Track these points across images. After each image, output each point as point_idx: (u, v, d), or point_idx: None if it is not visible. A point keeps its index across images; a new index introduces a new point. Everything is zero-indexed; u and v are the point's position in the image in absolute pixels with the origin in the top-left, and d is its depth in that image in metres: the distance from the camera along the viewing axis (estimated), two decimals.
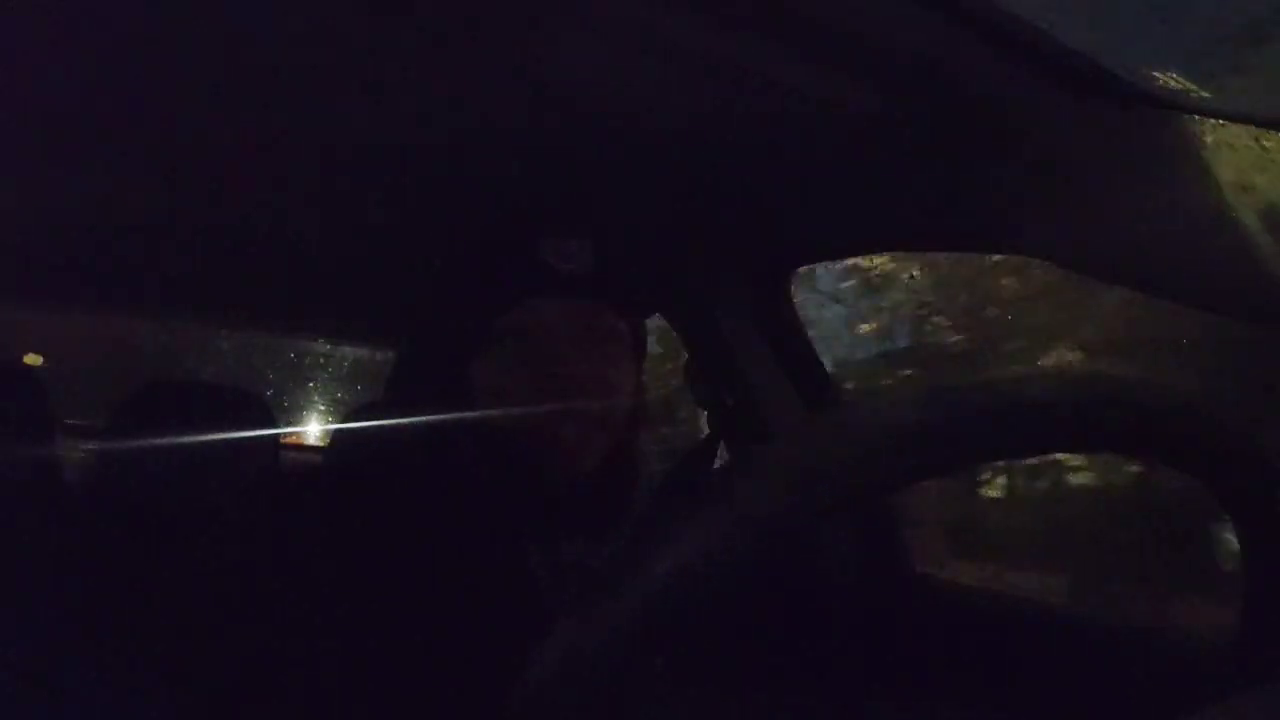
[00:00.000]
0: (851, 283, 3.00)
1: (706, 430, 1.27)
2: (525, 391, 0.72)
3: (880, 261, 2.74)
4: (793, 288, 1.35)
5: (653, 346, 0.90)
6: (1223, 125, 0.66)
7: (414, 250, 1.26)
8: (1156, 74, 0.68)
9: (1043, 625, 1.05)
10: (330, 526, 0.72)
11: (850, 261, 2.65)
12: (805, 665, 0.87)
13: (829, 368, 1.39)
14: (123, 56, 0.79)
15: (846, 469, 0.35)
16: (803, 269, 1.35)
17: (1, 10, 0.70)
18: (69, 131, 0.95)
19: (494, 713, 0.34)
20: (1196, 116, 0.67)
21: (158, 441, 1.31)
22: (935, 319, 2.78)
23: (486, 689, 0.64)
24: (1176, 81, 0.68)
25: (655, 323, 1.34)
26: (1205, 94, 0.67)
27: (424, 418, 0.77)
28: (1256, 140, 0.67)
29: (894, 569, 1.29)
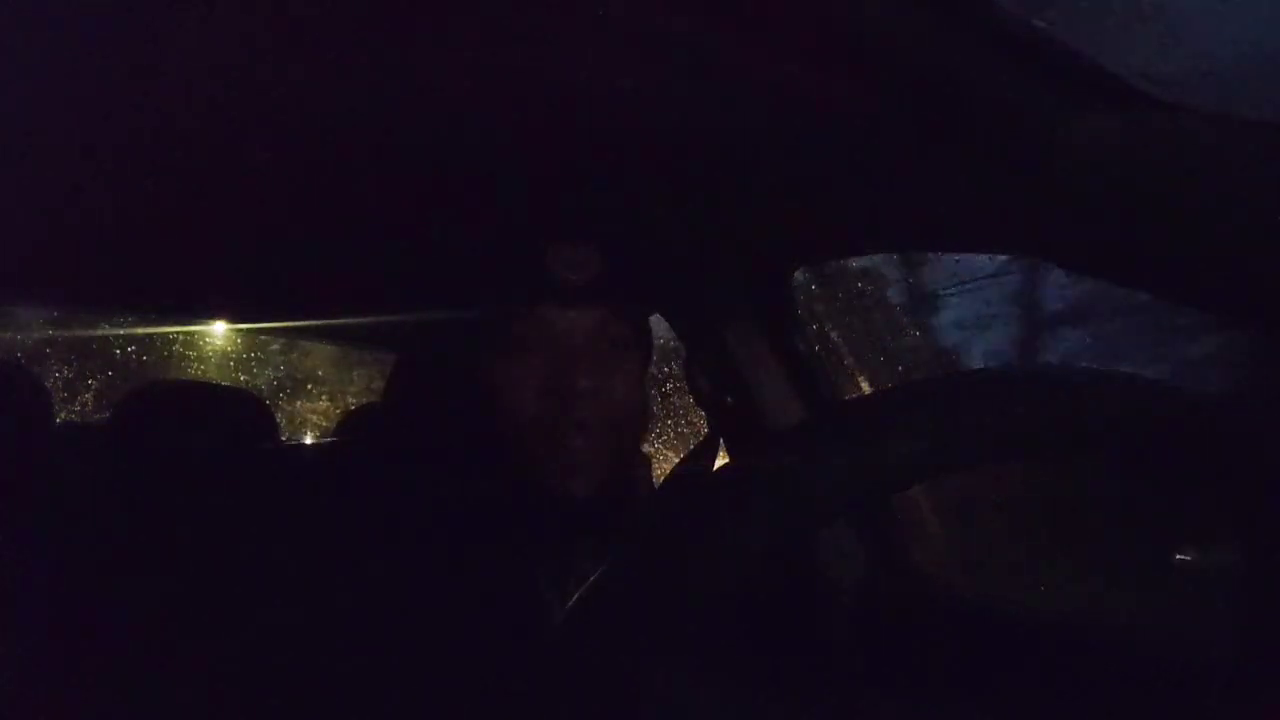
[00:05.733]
0: None
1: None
2: (536, 400, 0.72)
3: None
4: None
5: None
6: (1222, 125, 0.66)
7: (416, 254, 1.26)
8: (1155, 74, 0.68)
9: (1042, 628, 1.05)
10: (329, 531, 0.72)
11: None
12: (808, 667, 0.87)
13: None
14: (122, 53, 0.79)
15: (847, 470, 0.35)
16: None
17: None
18: (66, 130, 0.95)
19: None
20: (1196, 116, 0.67)
21: (157, 442, 1.31)
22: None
23: (488, 694, 0.64)
24: (1174, 81, 0.68)
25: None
26: (1205, 94, 0.67)
27: (426, 423, 0.77)
28: (1255, 140, 0.67)
29: (896, 572, 1.29)
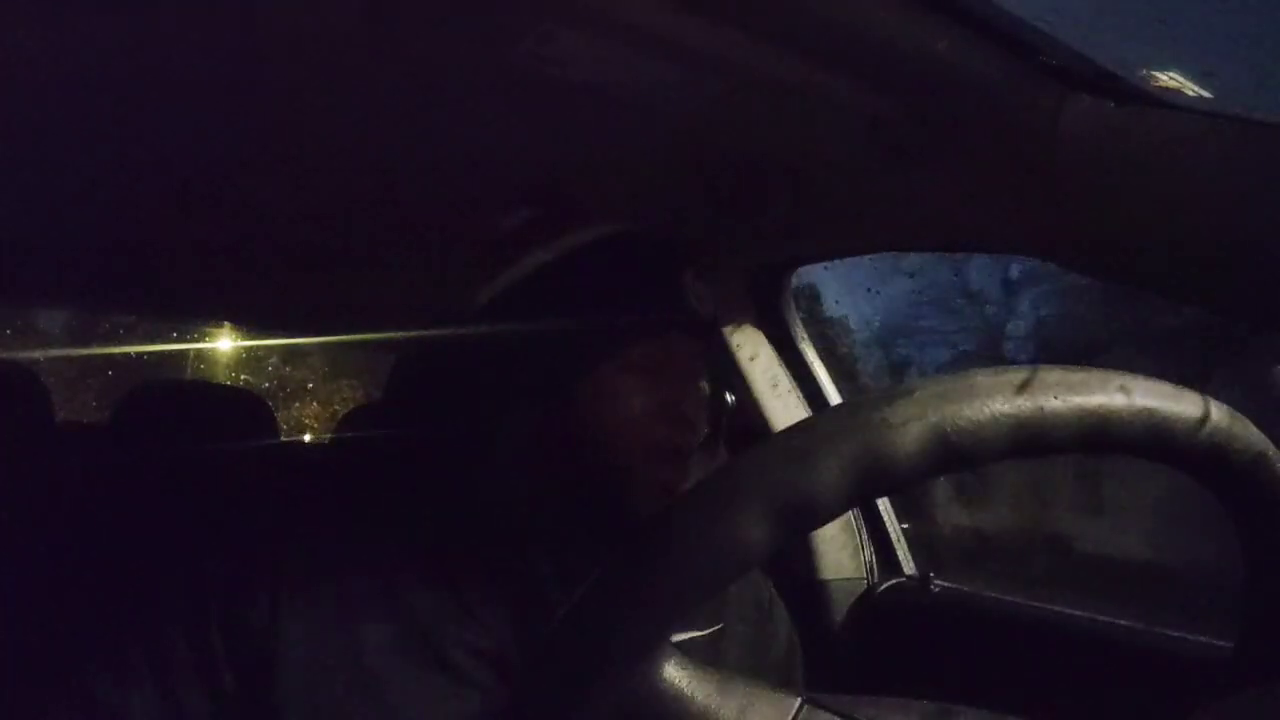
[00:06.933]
0: None
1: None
2: (650, 422, 0.72)
3: None
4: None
5: None
6: (1222, 125, 0.66)
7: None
8: (1156, 74, 0.68)
9: (1042, 628, 1.05)
10: (328, 529, 0.72)
11: None
12: (808, 666, 0.87)
13: None
14: (123, 56, 0.79)
15: (846, 470, 0.35)
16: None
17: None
18: (67, 132, 0.95)
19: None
20: (1196, 116, 0.67)
21: (156, 442, 1.31)
22: None
23: (487, 697, 0.64)
24: (1175, 81, 0.68)
25: None
26: (1205, 93, 0.67)
27: (427, 422, 0.77)
28: (1254, 139, 0.67)
29: (893, 571, 1.29)
